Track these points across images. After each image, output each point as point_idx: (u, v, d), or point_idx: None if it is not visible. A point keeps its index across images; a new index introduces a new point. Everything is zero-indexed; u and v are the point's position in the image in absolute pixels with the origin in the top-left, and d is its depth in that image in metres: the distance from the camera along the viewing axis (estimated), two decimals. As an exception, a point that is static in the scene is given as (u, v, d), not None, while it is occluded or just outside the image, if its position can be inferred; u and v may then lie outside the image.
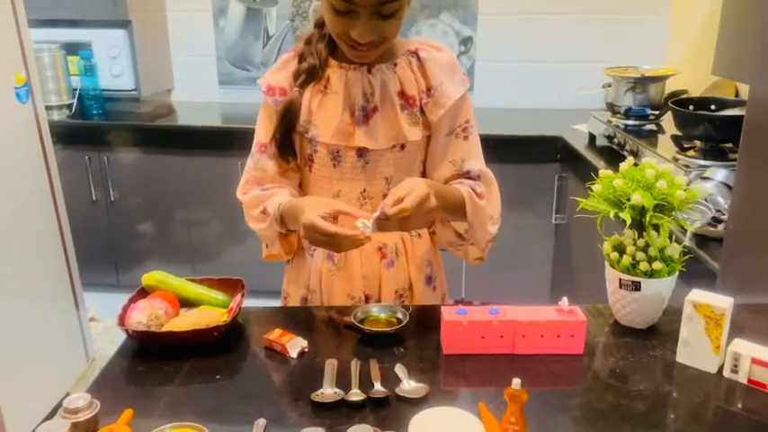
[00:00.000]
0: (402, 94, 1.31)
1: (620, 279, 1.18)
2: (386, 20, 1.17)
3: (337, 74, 1.30)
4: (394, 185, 1.32)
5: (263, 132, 1.36)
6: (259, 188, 1.35)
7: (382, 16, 1.16)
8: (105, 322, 2.80)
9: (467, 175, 1.36)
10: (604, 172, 1.19)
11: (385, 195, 1.34)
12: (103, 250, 3.30)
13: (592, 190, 1.21)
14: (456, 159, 1.36)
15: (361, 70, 1.29)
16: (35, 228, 2.17)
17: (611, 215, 1.15)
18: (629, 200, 1.14)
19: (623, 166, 1.18)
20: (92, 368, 2.46)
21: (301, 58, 1.32)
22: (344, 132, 1.30)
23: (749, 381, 1.04)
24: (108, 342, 2.77)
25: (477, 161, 1.37)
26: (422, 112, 1.32)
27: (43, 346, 2.19)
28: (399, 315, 1.23)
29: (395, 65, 1.31)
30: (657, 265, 1.14)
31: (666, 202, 1.12)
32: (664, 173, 1.13)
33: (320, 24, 1.31)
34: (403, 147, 1.33)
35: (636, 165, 1.18)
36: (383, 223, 1.16)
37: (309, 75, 1.30)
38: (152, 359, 1.14)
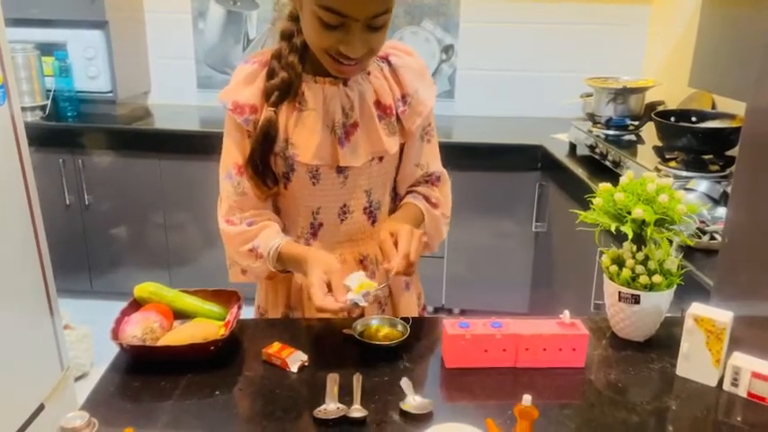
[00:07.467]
0: (378, 104, 1.28)
1: (619, 292, 1.18)
2: (375, 32, 1.12)
3: (312, 89, 1.24)
4: (374, 198, 1.34)
5: (238, 152, 1.26)
6: (245, 222, 1.27)
7: (372, 29, 1.11)
8: (80, 330, 2.72)
9: (428, 177, 1.40)
10: (604, 185, 1.20)
11: (365, 209, 1.34)
12: (77, 256, 3.22)
13: (591, 202, 1.21)
14: (422, 163, 1.38)
15: (338, 84, 1.24)
16: (10, 233, 2.10)
17: (613, 228, 1.16)
18: (629, 213, 1.15)
19: (623, 179, 1.19)
20: (66, 378, 2.39)
21: (271, 73, 1.23)
22: (326, 152, 1.25)
23: (749, 394, 1.06)
24: (83, 351, 2.69)
25: (437, 162, 1.42)
26: (398, 120, 1.30)
27: (16, 354, 2.11)
28: (399, 328, 1.21)
29: (368, 74, 1.27)
30: (657, 278, 1.15)
31: (667, 216, 1.14)
32: (665, 187, 1.14)
33: (288, 36, 1.23)
34: (381, 158, 1.30)
35: (620, 175, 1.19)
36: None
37: (283, 92, 1.22)
38: (147, 374, 1.10)
